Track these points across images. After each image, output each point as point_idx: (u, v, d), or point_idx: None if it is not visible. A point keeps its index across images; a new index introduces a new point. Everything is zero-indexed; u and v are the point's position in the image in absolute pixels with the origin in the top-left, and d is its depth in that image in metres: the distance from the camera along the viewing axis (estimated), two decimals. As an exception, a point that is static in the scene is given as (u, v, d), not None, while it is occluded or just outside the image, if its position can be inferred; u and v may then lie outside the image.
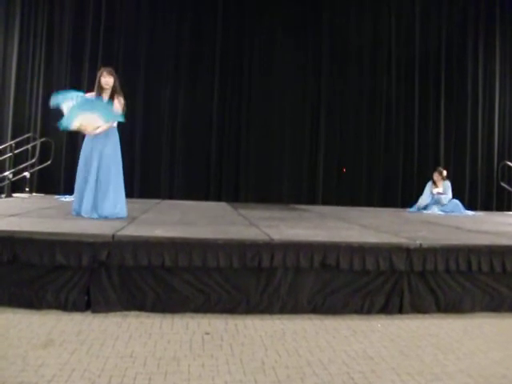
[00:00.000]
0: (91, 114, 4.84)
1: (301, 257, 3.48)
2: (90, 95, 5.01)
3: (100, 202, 4.80)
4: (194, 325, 3.11)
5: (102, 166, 4.86)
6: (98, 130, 4.87)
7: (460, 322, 3.47)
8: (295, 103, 10.59)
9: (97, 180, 4.82)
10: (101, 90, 4.96)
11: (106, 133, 4.91)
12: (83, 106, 4.84)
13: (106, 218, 4.70)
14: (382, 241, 3.79)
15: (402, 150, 10.77)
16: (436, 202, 8.49)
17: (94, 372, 2.33)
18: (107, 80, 4.93)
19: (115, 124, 5.03)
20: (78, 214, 4.78)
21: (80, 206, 4.82)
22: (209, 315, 3.32)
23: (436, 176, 8.63)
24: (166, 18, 10.20)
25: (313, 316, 3.44)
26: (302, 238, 3.76)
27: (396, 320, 3.45)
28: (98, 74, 4.98)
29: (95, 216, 4.70)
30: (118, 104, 4.97)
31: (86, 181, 4.83)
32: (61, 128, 4.93)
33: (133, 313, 3.29)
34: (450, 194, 8.50)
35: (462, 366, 2.62)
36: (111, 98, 4.97)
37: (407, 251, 3.62)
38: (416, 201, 8.85)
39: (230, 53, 10.41)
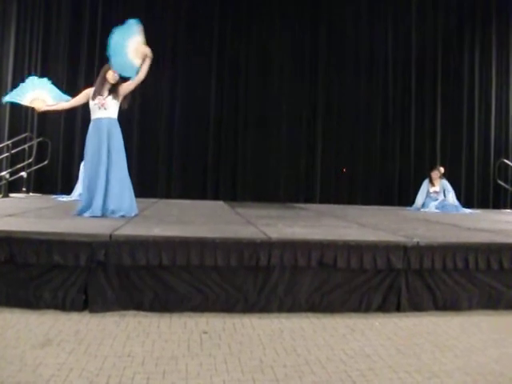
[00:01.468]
0: (40, 92, 5.19)
1: (298, 255, 3.48)
2: (89, 90, 5.12)
3: (118, 199, 4.87)
4: (191, 324, 3.11)
5: (114, 162, 4.91)
6: (48, 108, 5.19)
7: (457, 319, 3.48)
8: (293, 101, 10.59)
9: (110, 177, 4.86)
10: (104, 83, 5.06)
11: (110, 127, 4.97)
12: (33, 86, 5.22)
13: (122, 216, 4.78)
14: (380, 239, 3.79)
15: (399, 148, 10.80)
16: (433, 199, 8.52)
17: (92, 371, 2.33)
18: (116, 76, 5.05)
19: (115, 116, 5.07)
20: (90, 214, 4.77)
21: (91, 204, 4.82)
22: (207, 314, 3.32)
23: (435, 174, 8.65)
24: (162, 14, 10.19)
25: (310, 314, 3.44)
26: (299, 236, 3.76)
27: (393, 318, 3.45)
28: (105, 69, 5.08)
29: (111, 215, 4.76)
30: (126, 85, 5.10)
31: (97, 178, 4.83)
32: (3, 101, 5.35)
33: (131, 312, 3.29)
34: (452, 191, 8.55)
35: (460, 363, 2.63)
36: (111, 91, 5.05)
37: (404, 249, 3.62)
38: (414, 198, 8.88)
39: (227, 51, 10.42)
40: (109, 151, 4.91)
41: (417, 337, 3.04)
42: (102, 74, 5.09)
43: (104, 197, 4.81)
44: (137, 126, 9.96)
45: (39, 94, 5.20)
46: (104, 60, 9.45)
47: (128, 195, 5.00)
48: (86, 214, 4.75)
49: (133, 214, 4.95)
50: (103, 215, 4.74)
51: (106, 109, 4.99)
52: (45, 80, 5.36)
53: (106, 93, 5.04)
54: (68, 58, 9.89)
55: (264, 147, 10.42)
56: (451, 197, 8.52)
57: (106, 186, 4.83)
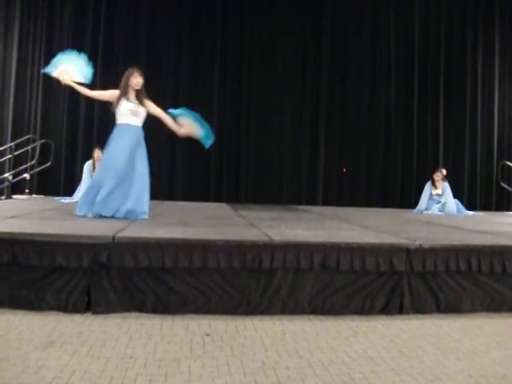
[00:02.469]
0: (72, 67, 5.13)
1: (301, 258, 3.48)
2: (113, 93, 5.13)
3: (140, 201, 4.93)
4: (194, 326, 3.11)
5: (142, 168, 5.00)
6: (73, 85, 5.09)
7: (460, 322, 3.47)
8: (295, 104, 10.60)
9: (137, 182, 4.93)
10: (128, 89, 5.05)
11: (140, 135, 5.06)
12: (68, 59, 5.16)
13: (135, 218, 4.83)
14: (382, 241, 3.79)
15: (401, 151, 10.78)
16: (436, 202, 8.51)
17: (94, 373, 2.33)
18: (139, 81, 5.06)
19: (140, 124, 5.10)
20: (101, 215, 4.80)
21: (108, 205, 4.81)
22: (209, 316, 3.32)
23: (437, 176, 8.63)
24: (165, 17, 10.20)
25: (313, 317, 3.44)
26: (301, 238, 3.75)
27: (396, 320, 3.45)
28: (127, 74, 5.07)
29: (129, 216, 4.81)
30: (153, 106, 5.15)
31: (129, 182, 4.87)
32: (45, 72, 5.22)
33: (133, 314, 3.29)
34: (450, 196, 8.50)
35: (463, 366, 2.62)
36: (137, 98, 5.06)
37: (407, 252, 3.62)
38: (416, 201, 8.87)
39: (229, 52, 10.41)
40: (137, 158, 4.98)
41: (419, 339, 3.03)
42: (124, 79, 5.07)
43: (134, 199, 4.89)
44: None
45: (69, 67, 5.15)
46: (106, 60, 9.57)
47: (147, 199, 5.06)
48: (106, 214, 4.78)
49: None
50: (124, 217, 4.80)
51: (136, 116, 5.04)
52: (79, 56, 5.27)
53: (135, 100, 5.06)
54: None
55: (266, 149, 10.41)
56: (449, 200, 8.47)
57: (132, 189, 4.89)
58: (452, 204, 8.44)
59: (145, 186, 5.00)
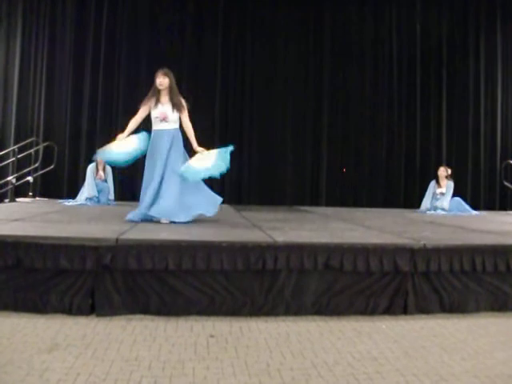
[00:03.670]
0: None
1: (304, 258, 3.48)
2: (144, 106, 5.11)
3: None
4: (198, 328, 3.12)
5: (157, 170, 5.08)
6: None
7: (465, 322, 3.46)
8: (297, 104, 10.58)
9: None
10: (157, 91, 5.05)
11: (172, 136, 5.06)
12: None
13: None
14: (386, 242, 3.78)
15: (404, 150, 10.75)
16: (440, 202, 8.45)
17: (99, 376, 2.33)
18: (161, 81, 5.01)
19: (172, 126, 5.08)
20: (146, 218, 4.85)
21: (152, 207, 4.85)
22: (213, 318, 3.32)
23: (441, 171, 8.51)
24: (167, 14, 10.19)
25: (317, 317, 3.43)
26: (305, 239, 3.76)
27: (400, 321, 3.44)
28: (155, 77, 5.06)
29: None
30: (182, 105, 5.08)
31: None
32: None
33: (137, 316, 3.29)
34: (449, 197, 8.37)
35: (468, 366, 2.61)
36: (171, 100, 5.03)
37: (411, 252, 3.61)
38: (420, 201, 8.83)
39: (231, 58, 10.41)
40: (157, 164, 5.11)
41: (424, 339, 3.03)
42: (154, 82, 5.08)
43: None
44: (143, 129, 9.96)
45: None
46: (109, 64, 9.58)
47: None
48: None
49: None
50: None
51: (166, 121, 5.04)
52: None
53: (168, 102, 5.04)
54: (73, 62, 9.90)
55: (269, 150, 10.40)
56: (446, 197, 8.34)
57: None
58: (446, 202, 8.30)
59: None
